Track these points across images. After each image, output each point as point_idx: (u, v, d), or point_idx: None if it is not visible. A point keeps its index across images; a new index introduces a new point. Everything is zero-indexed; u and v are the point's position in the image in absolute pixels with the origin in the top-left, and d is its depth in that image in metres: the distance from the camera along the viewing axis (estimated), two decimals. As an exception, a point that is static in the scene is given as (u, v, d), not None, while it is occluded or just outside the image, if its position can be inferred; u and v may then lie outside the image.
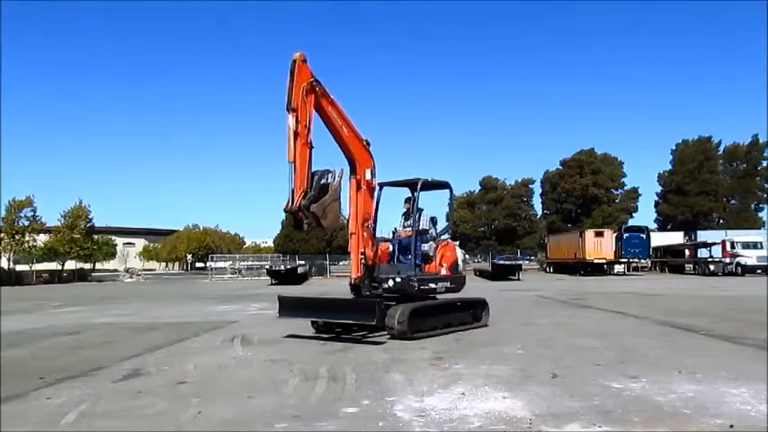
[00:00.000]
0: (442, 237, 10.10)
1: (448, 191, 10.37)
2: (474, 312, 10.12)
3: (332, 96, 8.76)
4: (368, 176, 9.10)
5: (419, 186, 9.63)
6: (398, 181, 10.13)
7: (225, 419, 4.60)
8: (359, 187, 9.14)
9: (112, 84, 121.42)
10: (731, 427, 4.18)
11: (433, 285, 9.41)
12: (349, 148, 9.01)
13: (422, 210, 9.90)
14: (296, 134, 8.09)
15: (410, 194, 9.99)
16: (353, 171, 9.17)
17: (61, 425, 4.55)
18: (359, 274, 9.13)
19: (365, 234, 9.09)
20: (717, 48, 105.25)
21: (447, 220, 10.43)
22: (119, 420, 4.65)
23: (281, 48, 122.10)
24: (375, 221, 9.42)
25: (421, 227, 9.71)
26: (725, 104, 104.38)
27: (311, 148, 8.32)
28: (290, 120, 8.13)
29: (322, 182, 8.49)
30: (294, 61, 8.27)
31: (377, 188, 9.50)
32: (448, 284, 9.69)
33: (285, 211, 8.34)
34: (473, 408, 4.77)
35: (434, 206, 10.72)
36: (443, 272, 9.70)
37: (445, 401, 5.00)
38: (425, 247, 9.60)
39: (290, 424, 4.43)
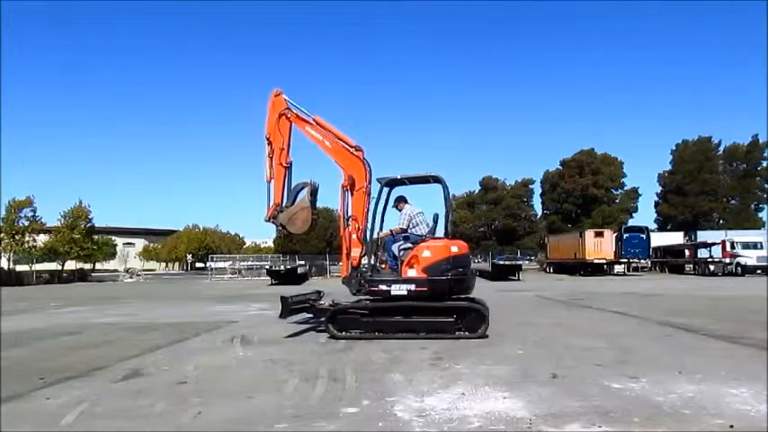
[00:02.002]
0: (434, 235, 9.43)
1: (440, 185, 9.42)
2: (463, 320, 8.70)
3: (311, 117, 9.83)
4: (351, 181, 9.37)
5: (384, 183, 9.40)
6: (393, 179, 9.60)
7: (225, 419, 4.60)
8: (349, 192, 9.46)
9: (112, 84, 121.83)
10: (731, 427, 4.18)
11: (384, 287, 8.86)
12: (332, 158, 9.60)
13: (403, 207, 9.71)
14: (271, 158, 9.86)
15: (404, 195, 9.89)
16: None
17: (61, 425, 4.56)
18: (345, 274, 9.58)
19: (354, 236, 9.30)
20: (717, 48, 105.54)
21: (434, 220, 9.58)
22: (119, 420, 4.65)
23: (282, 47, 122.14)
24: (382, 222, 9.57)
25: (399, 225, 9.57)
26: (725, 104, 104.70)
27: (287, 167, 9.92)
28: (266, 147, 9.93)
29: (297, 193, 9.91)
30: (269, 98, 10.02)
31: (384, 190, 9.50)
32: (412, 287, 8.73)
33: (265, 221, 9.98)
34: (473, 408, 4.77)
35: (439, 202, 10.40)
36: (411, 273, 8.83)
37: (445, 401, 5.00)
38: (394, 247, 9.42)
39: (290, 424, 4.43)
